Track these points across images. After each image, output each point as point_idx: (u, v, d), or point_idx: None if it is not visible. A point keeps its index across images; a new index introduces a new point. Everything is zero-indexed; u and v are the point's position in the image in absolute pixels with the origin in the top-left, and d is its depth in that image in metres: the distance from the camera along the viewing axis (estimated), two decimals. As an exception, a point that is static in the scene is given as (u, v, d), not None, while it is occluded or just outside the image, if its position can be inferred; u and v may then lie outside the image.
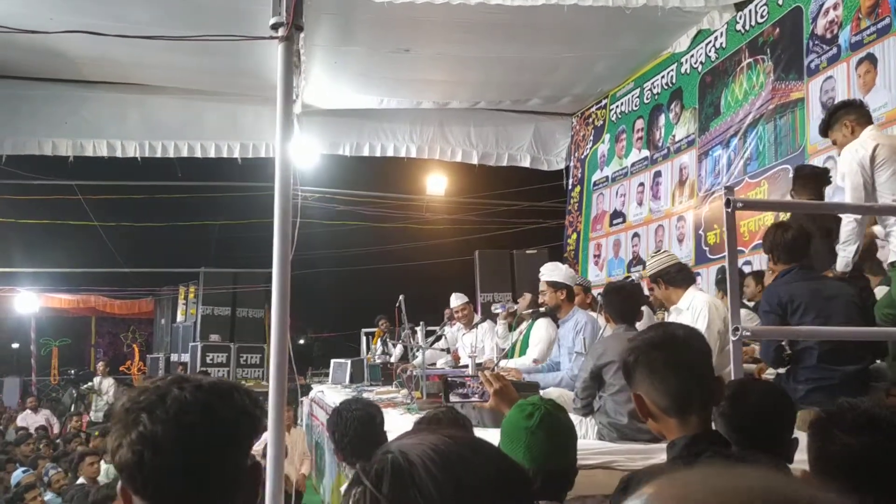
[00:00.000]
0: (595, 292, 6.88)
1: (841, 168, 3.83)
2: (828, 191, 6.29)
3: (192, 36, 5.38)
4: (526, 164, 11.52)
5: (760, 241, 6.90)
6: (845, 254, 3.77)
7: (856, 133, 3.95)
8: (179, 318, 17.45)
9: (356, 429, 3.01)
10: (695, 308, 4.15)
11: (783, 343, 3.74)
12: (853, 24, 6.21)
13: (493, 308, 6.83)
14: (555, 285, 5.14)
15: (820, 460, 1.57)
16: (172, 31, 6.94)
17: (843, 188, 3.93)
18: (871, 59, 6.01)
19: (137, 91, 9.81)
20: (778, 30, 7.16)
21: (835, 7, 6.44)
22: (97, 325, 22.48)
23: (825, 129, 4.15)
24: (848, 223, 3.77)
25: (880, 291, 4.24)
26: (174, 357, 17.05)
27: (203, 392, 1.23)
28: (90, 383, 14.73)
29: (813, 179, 4.76)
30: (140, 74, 9.39)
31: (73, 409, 13.77)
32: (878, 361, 3.92)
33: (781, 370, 3.88)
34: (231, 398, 1.25)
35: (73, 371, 17.63)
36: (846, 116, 3.99)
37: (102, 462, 7.45)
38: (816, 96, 6.60)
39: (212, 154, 10.32)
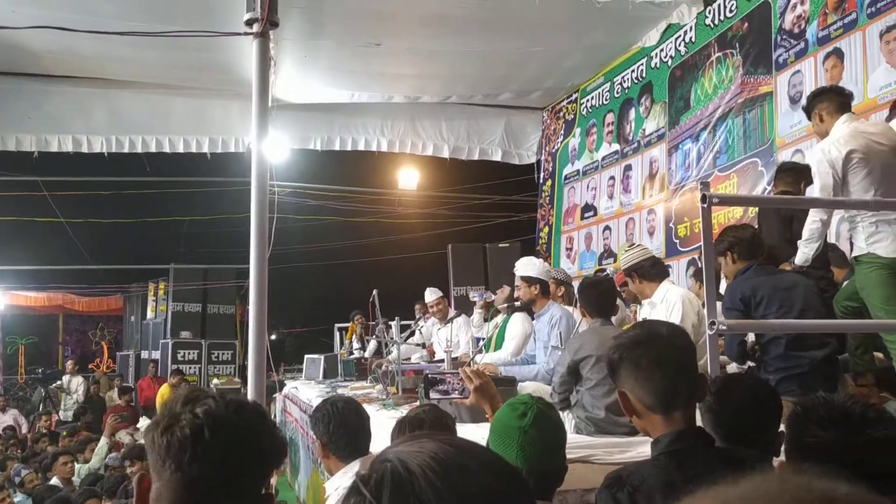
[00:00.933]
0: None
1: (811, 165, 3.85)
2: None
3: (164, 32, 5.29)
4: (497, 157, 11.56)
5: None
6: (806, 250, 3.83)
7: (825, 122, 3.95)
8: (149, 314, 17.24)
9: (347, 418, 2.99)
10: (668, 301, 4.20)
11: (745, 338, 3.82)
12: (820, 19, 6.30)
13: (471, 296, 6.83)
14: (529, 280, 5.16)
15: (794, 452, 1.61)
16: (141, 24, 6.83)
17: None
18: (838, 54, 6.11)
19: (103, 85, 9.65)
20: (746, 24, 7.25)
21: (802, 2, 6.53)
22: (65, 322, 22.10)
23: (807, 114, 4.18)
24: (813, 222, 3.81)
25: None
26: (144, 354, 16.86)
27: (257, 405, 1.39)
28: (59, 382, 14.50)
29: (792, 173, 4.82)
30: (106, 69, 9.23)
31: (41, 408, 13.53)
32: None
33: (752, 364, 3.95)
34: (275, 426, 1.38)
35: (40, 370, 17.34)
36: (818, 105, 3.99)
37: (76, 462, 7.36)
38: (785, 90, 6.70)
39: (180, 149, 10.20)
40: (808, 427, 1.56)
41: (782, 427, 2.23)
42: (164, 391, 11.96)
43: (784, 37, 6.73)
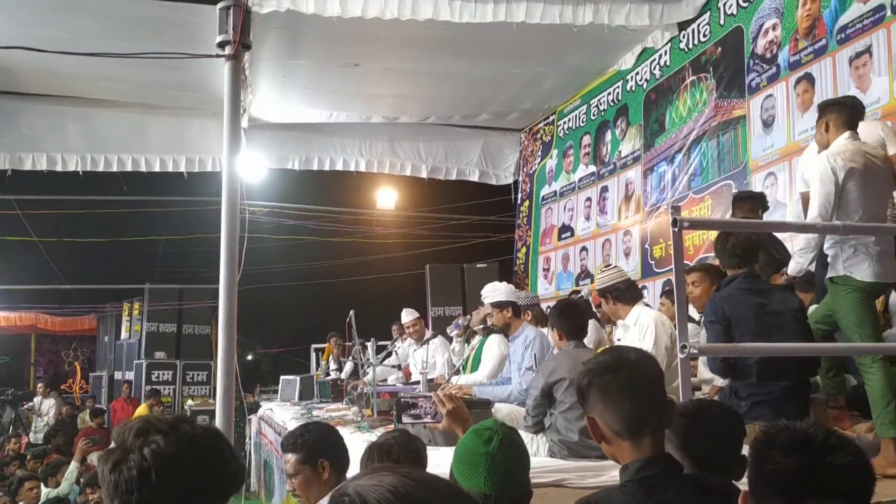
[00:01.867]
0: (545, 306, 6.92)
1: (813, 168, 3.76)
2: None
3: (136, 53, 5.27)
4: (475, 178, 11.61)
5: (705, 255, 7.07)
6: (801, 260, 3.80)
7: (830, 132, 3.91)
8: (123, 335, 17.04)
9: (326, 431, 2.99)
10: (642, 324, 4.20)
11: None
12: (791, 44, 6.41)
13: (448, 330, 6.81)
14: (499, 305, 5.16)
15: (756, 479, 1.60)
16: (117, 43, 6.79)
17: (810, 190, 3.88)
18: (809, 79, 6.21)
19: (79, 104, 9.58)
20: (720, 49, 7.35)
21: (774, 28, 6.64)
22: (37, 342, 21.76)
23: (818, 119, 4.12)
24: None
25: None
26: (118, 375, 16.62)
27: (209, 434, 1.31)
28: (30, 403, 14.25)
29: (749, 202, 4.86)
30: (83, 87, 9.17)
31: (11, 430, 13.28)
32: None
33: (725, 384, 3.95)
34: (232, 455, 1.32)
35: (10, 391, 17.02)
36: (829, 114, 3.95)
37: (42, 486, 7.20)
38: (757, 114, 6.79)
39: (156, 168, 10.13)
40: (770, 454, 1.56)
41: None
42: (141, 412, 11.78)
43: (756, 61, 6.83)
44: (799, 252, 3.80)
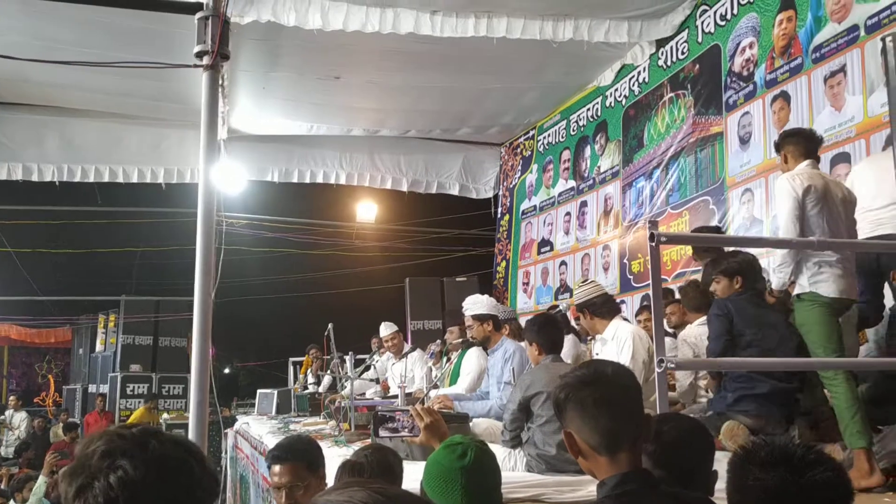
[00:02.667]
0: (524, 321, 6.92)
1: (778, 193, 3.91)
2: (744, 223, 6.55)
3: (117, 62, 5.23)
4: (455, 192, 11.63)
5: (683, 271, 7.12)
6: (781, 275, 3.87)
7: (789, 163, 4.07)
8: (98, 347, 16.82)
9: (316, 443, 2.97)
10: (619, 339, 4.21)
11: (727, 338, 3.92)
12: (768, 62, 6.49)
13: (424, 359, 6.78)
14: (480, 318, 5.16)
15: (736, 495, 1.61)
16: (95, 52, 6.74)
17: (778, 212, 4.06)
18: (785, 97, 6.29)
19: (57, 113, 9.50)
20: (698, 66, 7.43)
21: (750, 46, 6.73)
22: (10, 354, 21.42)
23: (776, 150, 4.31)
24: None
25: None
26: (92, 388, 16.40)
27: (179, 447, 1.22)
28: (1, 417, 14.01)
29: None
30: (60, 96, 9.09)
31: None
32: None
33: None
34: (205, 471, 1.24)
35: (-19, 404, 16.76)
36: (786, 146, 4.11)
37: (13, 501, 7.07)
38: (734, 131, 6.86)
39: (134, 179, 10.05)
40: (750, 469, 1.56)
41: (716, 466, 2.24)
42: (139, 415, 11.75)
43: (734, 79, 6.92)
44: (778, 268, 3.88)
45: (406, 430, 2.91)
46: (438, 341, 6.95)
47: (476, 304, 5.28)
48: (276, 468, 2.86)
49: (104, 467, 1.14)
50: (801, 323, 3.75)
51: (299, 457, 2.86)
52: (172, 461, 1.19)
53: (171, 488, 1.16)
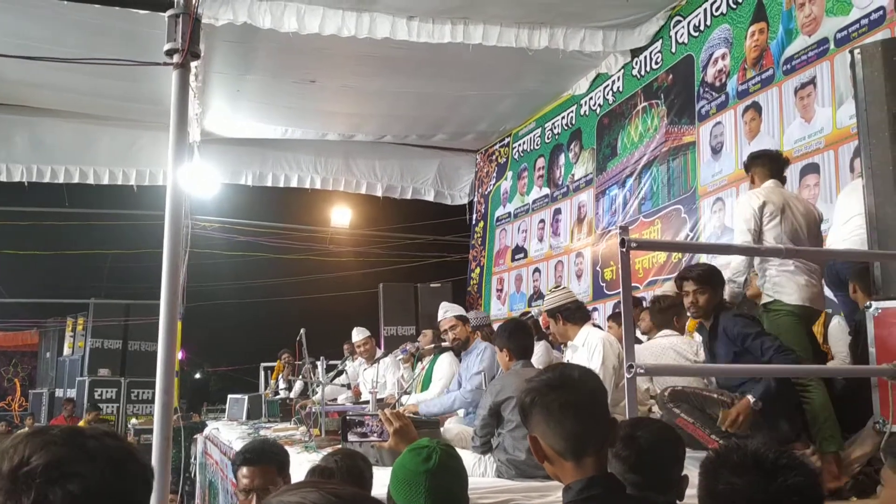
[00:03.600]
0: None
1: (737, 209, 4.09)
2: (715, 231, 6.61)
3: (85, 59, 5.17)
4: (430, 198, 11.63)
5: (654, 279, 7.16)
6: (735, 285, 3.97)
7: (755, 183, 4.24)
8: (66, 350, 16.53)
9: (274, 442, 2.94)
10: (590, 345, 4.23)
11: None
12: (740, 73, 6.57)
13: (393, 354, 6.76)
14: (463, 319, 5.19)
15: (707, 498, 1.60)
16: (68, 50, 6.66)
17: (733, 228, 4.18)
18: (756, 108, 6.36)
19: (26, 112, 9.37)
20: (671, 76, 7.50)
21: (723, 57, 6.80)
22: (-27, 358, 21.04)
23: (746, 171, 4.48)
24: (738, 256, 4.04)
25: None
26: (59, 392, 16.11)
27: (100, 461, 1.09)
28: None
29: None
30: (29, 95, 8.96)
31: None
32: None
33: None
34: (137, 461, 1.13)
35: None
36: (753, 167, 4.29)
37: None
38: (707, 140, 6.93)
39: (105, 180, 9.94)
40: (721, 473, 1.56)
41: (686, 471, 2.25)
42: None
43: (706, 89, 6.99)
44: (733, 277, 3.98)
45: (375, 434, 2.91)
46: (415, 343, 6.92)
47: (455, 307, 5.34)
48: (246, 470, 2.81)
49: (55, 478, 1.03)
50: (771, 332, 3.80)
51: (271, 460, 2.82)
52: (117, 454, 1.11)
53: (125, 482, 1.10)
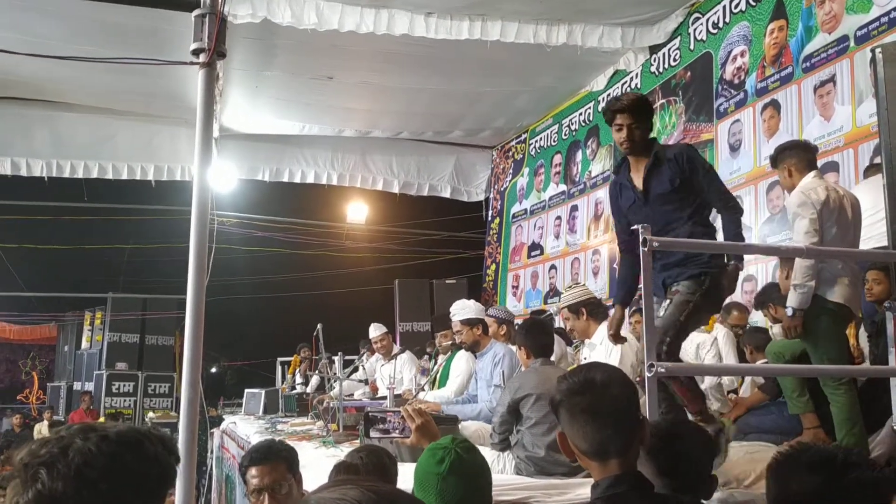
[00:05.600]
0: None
1: (794, 208, 3.82)
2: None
3: (108, 58, 5.21)
4: (446, 194, 11.63)
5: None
6: (805, 290, 3.70)
7: (794, 177, 4.00)
8: (84, 344, 16.69)
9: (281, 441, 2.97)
10: (608, 343, 4.22)
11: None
12: (759, 71, 6.54)
13: (418, 379, 6.75)
14: (469, 322, 5.17)
15: (780, 498, 1.64)
16: (87, 48, 6.71)
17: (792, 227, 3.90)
18: (775, 105, 6.33)
19: (46, 108, 9.43)
20: (689, 73, 7.48)
21: (742, 54, 6.77)
22: (-7, 350, 21.28)
23: (774, 165, 4.24)
24: (804, 260, 3.73)
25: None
26: (77, 386, 16.28)
27: (110, 443, 1.15)
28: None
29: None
30: (50, 91, 9.04)
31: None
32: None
33: None
34: (141, 448, 1.18)
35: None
36: (788, 160, 4.04)
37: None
38: (725, 138, 6.90)
39: (124, 175, 10.00)
40: (795, 472, 1.60)
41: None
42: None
43: (725, 87, 6.96)
44: (799, 285, 3.70)
45: (397, 431, 2.92)
46: (428, 352, 6.94)
47: (464, 309, 5.30)
48: (255, 470, 2.76)
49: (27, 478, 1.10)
50: (805, 329, 3.75)
51: (278, 456, 2.81)
52: (130, 435, 1.16)
53: (141, 464, 1.14)
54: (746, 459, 3.41)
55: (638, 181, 3.57)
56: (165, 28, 6.41)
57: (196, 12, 2.89)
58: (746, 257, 4.78)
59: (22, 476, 1.11)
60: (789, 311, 3.72)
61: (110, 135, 9.86)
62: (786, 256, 3.72)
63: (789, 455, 1.65)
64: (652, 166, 3.50)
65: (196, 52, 2.89)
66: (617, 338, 3.77)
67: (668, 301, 3.44)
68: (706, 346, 4.60)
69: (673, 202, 3.49)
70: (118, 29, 6.88)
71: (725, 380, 5.08)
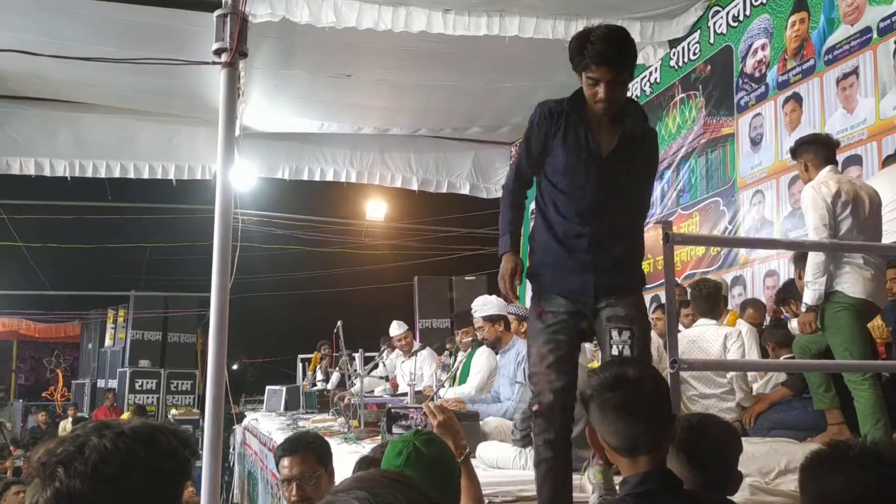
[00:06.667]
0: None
1: (805, 203, 3.83)
2: (755, 224, 6.53)
3: (131, 59, 5.25)
4: (465, 191, 11.61)
5: (692, 272, 7.10)
6: (817, 286, 3.72)
7: (810, 171, 3.98)
8: (108, 342, 16.90)
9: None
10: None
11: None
12: (780, 64, 6.48)
13: (439, 376, 6.75)
14: (491, 319, 5.14)
15: (823, 499, 1.58)
16: (108, 49, 6.78)
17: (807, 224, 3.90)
18: (797, 99, 6.28)
19: (69, 108, 9.52)
20: (709, 67, 7.42)
21: (763, 47, 6.71)
22: (19, 349, 21.55)
23: (793, 157, 4.21)
24: (816, 255, 3.74)
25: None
26: (101, 383, 16.49)
27: (125, 439, 1.17)
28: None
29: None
30: (72, 92, 9.13)
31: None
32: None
33: None
34: (156, 443, 1.20)
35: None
36: (805, 154, 4.02)
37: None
38: (746, 132, 6.85)
39: (145, 175, 10.08)
40: (841, 469, 1.56)
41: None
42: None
43: (745, 80, 6.90)
44: (812, 281, 3.72)
45: (419, 427, 2.94)
46: (448, 349, 6.95)
47: (486, 304, 5.27)
48: (286, 460, 2.85)
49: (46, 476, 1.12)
50: (827, 325, 3.72)
51: (310, 448, 2.87)
52: (115, 467, 1.15)
53: (155, 458, 1.16)
54: (770, 453, 3.40)
55: (602, 143, 2.94)
56: (185, 28, 6.46)
57: (218, 12, 2.91)
58: (767, 252, 4.76)
59: (40, 475, 1.13)
60: (804, 308, 3.72)
61: (131, 135, 9.94)
62: (809, 251, 3.69)
63: (830, 453, 1.61)
64: (627, 139, 2.91)
65: (218, 52, 2.91)
66: (514, 292, 3.22)
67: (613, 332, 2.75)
68: (733, 337, 4.57)
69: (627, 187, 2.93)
70: (139, 29, 6.94)
71: (749, 376, 5.06)
